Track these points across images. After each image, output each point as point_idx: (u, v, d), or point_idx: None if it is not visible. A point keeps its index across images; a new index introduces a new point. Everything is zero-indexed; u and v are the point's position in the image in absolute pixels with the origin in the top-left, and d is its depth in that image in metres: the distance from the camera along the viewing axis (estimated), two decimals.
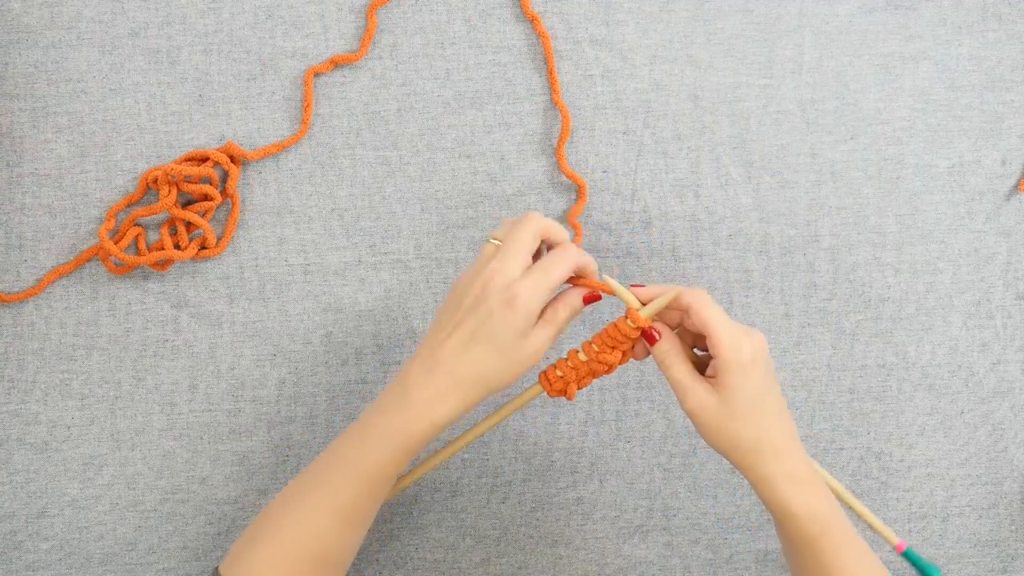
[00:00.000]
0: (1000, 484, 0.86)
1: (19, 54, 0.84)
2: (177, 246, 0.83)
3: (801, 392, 0.85)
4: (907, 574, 0.85)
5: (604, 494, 0.85)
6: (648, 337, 0.69)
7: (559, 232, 0.71)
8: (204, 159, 0.84)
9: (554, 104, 0.84)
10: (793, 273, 0.85)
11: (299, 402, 0.84)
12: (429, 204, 0.85)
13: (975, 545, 0.86)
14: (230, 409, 0.84)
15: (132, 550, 0.84)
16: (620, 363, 0.71)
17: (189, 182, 0.83)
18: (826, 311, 0.85)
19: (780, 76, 0.85)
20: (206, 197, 0.83)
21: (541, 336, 0.68)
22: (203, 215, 0.83)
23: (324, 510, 0.68)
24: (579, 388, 0.71)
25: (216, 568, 0.70)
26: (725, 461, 0.85)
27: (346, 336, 0.85)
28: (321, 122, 0.85)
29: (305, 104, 0.84)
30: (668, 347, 0.69)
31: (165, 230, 0.83)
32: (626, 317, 0.69)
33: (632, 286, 0.70)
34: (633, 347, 0.70)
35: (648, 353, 0.71)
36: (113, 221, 0.83)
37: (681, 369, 0.68)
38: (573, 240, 0.83)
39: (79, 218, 0.84)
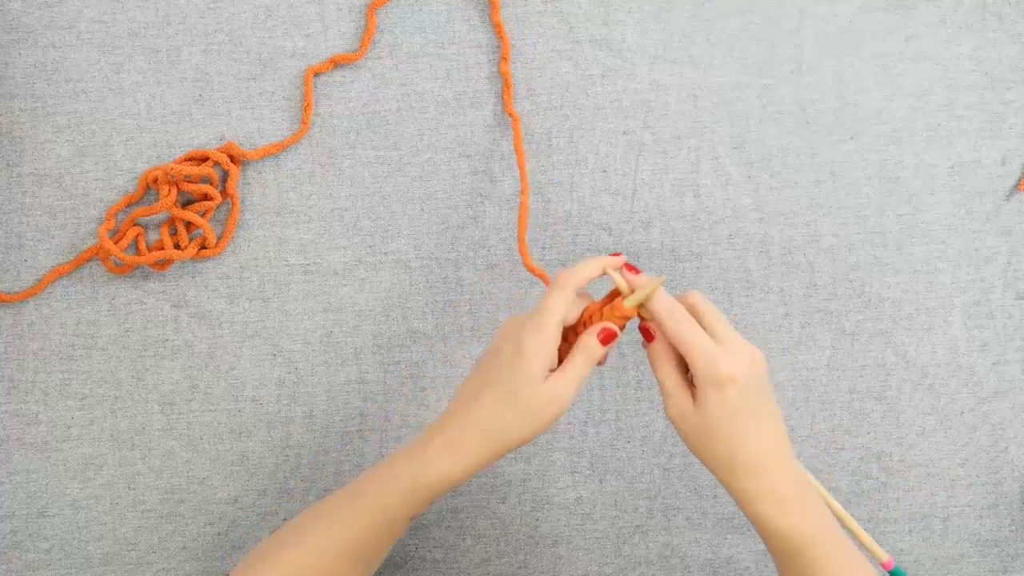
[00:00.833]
0: (1000, 484, 0.86)
1: (19, 54, 0.84)
2: (177, 246, 0.83)
3: (801, 392, 0.85)
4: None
5: (604, 494, 0.85)
6: (645, 334, 0.69)
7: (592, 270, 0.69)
8: (204, 159, 0.84)
9: (507, 113, 0.84)
10: (793, 273, 0.85)
11: (299, 402, 0.84)
12: (429, 204, 0.85)
13: (975, 545, 0.86)
14: (230, 409, 0.84)
15: (132, 550, 0.84)
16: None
17: (189, 182, 0.83)
18: (826, 311, 0.85)
19: (780, 76, 0.86)
20: (206, 197, 0.83)
21: (557, 385, 0.66)
22: (203, 215, 0.83)
23: (329, 544, 0.67)
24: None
25: None
26: None
27: (346, 336, 0.85)
28: (321, 122, 0.85)
29: (305, 104, 0.84)
30: (661, 349, 0.68)
31: (165, 230, 0.83)
32: (617, 299, 0.68)
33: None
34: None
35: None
36: (113, 221, 0.83)
37: (668, 373, 0.67)
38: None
39: (79, 218, 0.84)
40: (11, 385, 0.83)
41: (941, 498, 0.86)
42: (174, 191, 0.82)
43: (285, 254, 0.85)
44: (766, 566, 0.85)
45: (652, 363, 0.68)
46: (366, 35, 0.84)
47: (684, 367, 0.68)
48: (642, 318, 0.69)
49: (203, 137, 0.84)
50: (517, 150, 0.83)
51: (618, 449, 0.85)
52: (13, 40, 0.84)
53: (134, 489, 0.84)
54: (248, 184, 0.85)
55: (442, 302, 0.85)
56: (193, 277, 0.84)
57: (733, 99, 0.85)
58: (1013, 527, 0.86)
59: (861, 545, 0.72)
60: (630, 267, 0.69)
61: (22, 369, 0.83)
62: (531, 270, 0.82)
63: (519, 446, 0.67)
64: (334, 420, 0.84)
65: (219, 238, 0.84)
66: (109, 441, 0.84)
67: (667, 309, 0.66)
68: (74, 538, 0.83)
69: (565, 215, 0.85)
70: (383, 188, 0.85)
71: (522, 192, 0.83)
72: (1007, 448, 0.86)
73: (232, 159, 0.84)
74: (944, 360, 0.86)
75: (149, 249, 0.84)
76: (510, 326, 0.68)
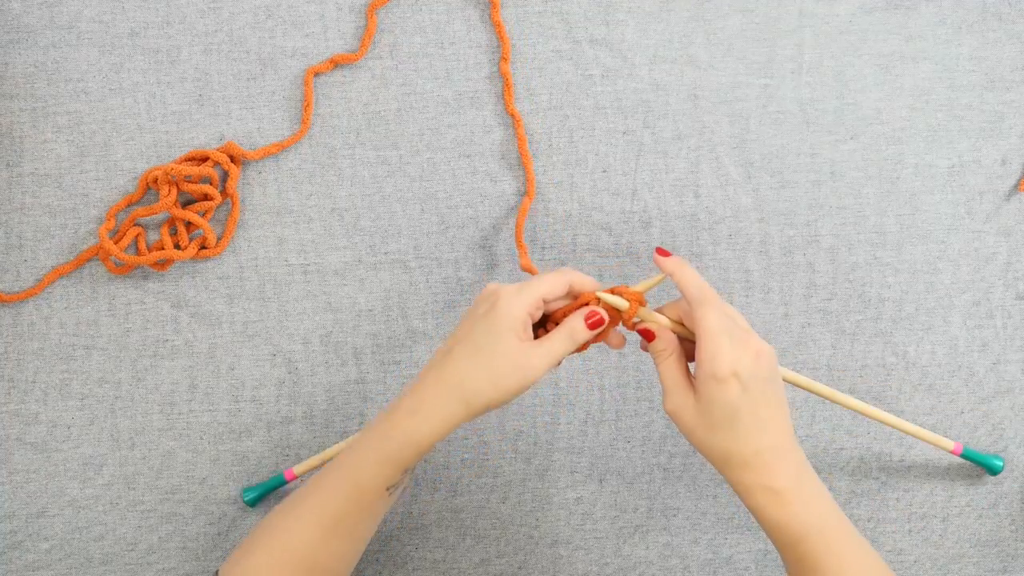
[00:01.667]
0: (1000, 484, 0.86)
1: (19, 54, 0.84)
2: (177, 246, 0.83)
3: (801, 392, 0.85)
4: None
5: (604, 494, 0.85)
6: (645, 334, 0.69)
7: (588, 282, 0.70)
8: (204, 159, 0.84)
9: (507, 113, 0.84)
10: (793, 273, 0.85)
11: (298, 402, 0.84)
12: (429, 204, 0.85)
13: (975, 545, 0.86)
14: (230, 409, 0.84)
15: (132, 550, 0.84)
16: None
17: (189, 182, 0.83)
18: (826, 311, 0.85)
19: (780, 76, 0.85)
20: (206, 197, 0.83)
21: (530, 353, 0.66)
22: (203, 215, 0.83)
23: (312, 516, 0.68)
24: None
25: (216, 571, 0.69)
26: None
27: (346, 336, 0.85)
28: (321, 122, 0.85)
29: (305, 104, 0.84)
30: (663, 346, 0.68)
31: (165, 230, 0.83)
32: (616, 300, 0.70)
33: (615, 289, 0.70)
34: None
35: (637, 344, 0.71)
36: (113, 221, 0.83)
37: (669, 369, 0.68)
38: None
39: (79, 218, 0.84)
40: (11, 385, 0.83)
41: (941, 498, 0.86)
42: (174, 191, 0.82)
43: (285, 254, 0.85)
44: (766, 566, 0.85)
45: (655, 358, 0.69)
46: (366, 35, 0.84)
47: (685, 362, 0.69)
48: (635, 329, 0.70)
49: (203, 137, 0.84)
50: (521, 151, 0.83)
51: (618, 449, 0.85)
52: (13, 40, 0.84)
53: (134, 489, 0.84)
54: (248, 184, 0.85)
55: (442, 302, 0.85)
56: (193, 277, 0.84)
57: (733, 99, 0.85)
58: (1013, 527, 0.86)
59: (922, 441, 0.80)
60: (661, 251, 0.70)
61: (22, 369, 0.83)
62: (527, 270, 0.82)
63: (486, 408, 0.66)
64: (334, 420, 0.84)
65: (219, 238, 0.84)
66: (109, 441, 0.84)
67: (698, 290, 0.67)
68: (74, 538, 0.83)
69: (565, 215, 0.85)
70: (383, 188, 0.85)
71: (527, 193, 0.83)
72: (1007, 448, 0.86)
73: (232, 159, 0.84)
74: (944, 360, 0.86)
75: (149, 249, 0.84)
76: (490, 287, 0.68)
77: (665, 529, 0.85)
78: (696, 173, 0.85)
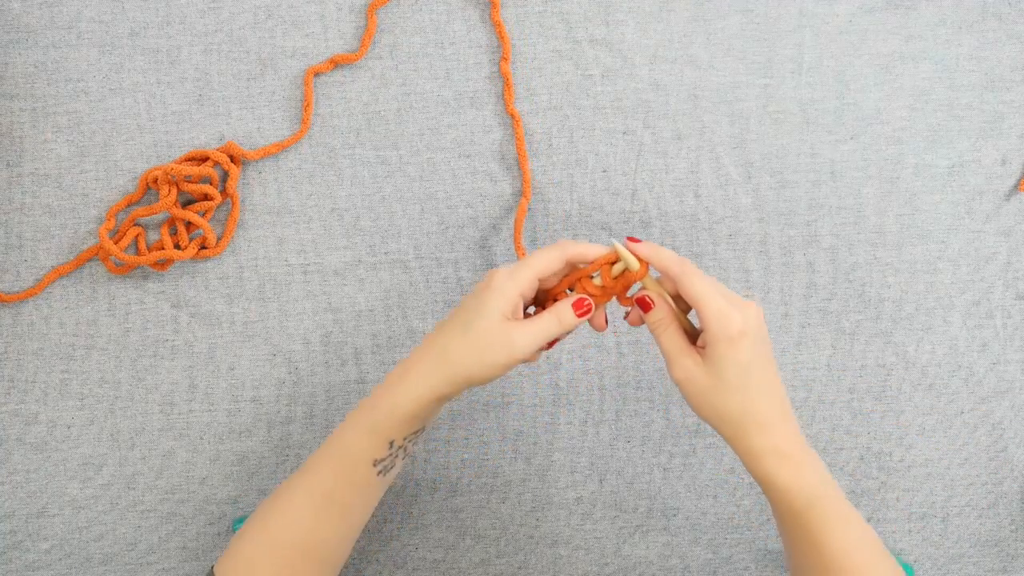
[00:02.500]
0: (1000, 484, 0.86)
1: (19, 54, 0.84)
2: (177, 246, 0.83)
3: (801, 392, 0.85)
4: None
5: (604, 494, 0.85)
6: (643, 304, 0.69)
7: (591, 250, 0.70)
8: (204, 159, 0.84)
9: (507, 113, 0.84)
10: (793, 273, 0.85)
11: (298, 402, 0.84)
12: (429, 204, 0.85)
13: (975, 545, 0.86)
14: (230, 409, 0.84)
15: (132, 550, 0.84)
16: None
17: (189, 182, 0.83)
18: (826, 311, 0.85)
19: (780, 76, 0.86)
20: (206, 197, 0.83)
21: (517, 331, 0.66)
22: (203, 215, 0.83)
23: (303, 495, 0.69)
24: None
25: (212, 568, 0.69)
26: (725, 461, 0.85)
27: (345, 336, 0.85)
28: (321, 122, 0.85)
29: (305, 104, 0.84)
30: (661, 315, 0.68)
31: (165, 230, 0.83)
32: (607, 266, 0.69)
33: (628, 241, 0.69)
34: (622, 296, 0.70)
35: (643, 320, 0.70)
36: (113, 221, 0.83)
37: (672, 338, 0.68)
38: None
39: (79, 218, 0.84)
40: (11, 385, 0.83)
41: (941, 498, 0.86)
42: (174, 191, 0.82)
43: (285, 254, 0.85)
44: (766, 566, 0.85)
45: (653, 330, 0.69)
46: (366, 35, 0.84)
47: (684, 331, 0.69)
48: (632, 301, 0.69)
49: (203, 137, 0.84)
50: (519, 151, 0.83)
51: (618, 449, 0.85)
52: (13, 40, 0.84)
53: (134, 489, 0.84)
54: (248, 184, 0.85)
55: (442, 302, 0.85)
56: (193, 277, 0.84)
57: (733, 99, 0.85)
58: (1013, 527, 0.86)
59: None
60: (632, 239, 0.70)
61: (22, 369, 0.83)
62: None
63: (467, 381, 0.67)
64: (334, 420, 0.84)
65: (219, 238, 0.84)
66: (108, 441, 0.84)
67: (678, 263, 0.67)
68: (74, 538, 0.83)
69: (565, 215, 0.85)
70: (383, 188, 0.85)
71: (523, 195, 0.83)
72: (1007, 448, 0.86)
73: (232, 159, 0.84)
74: (944, 360, 0.86)
75: (149, 249, 0.84)
76: (490, 271, 0.69)
77: (665, 529, 0.85)
78: (696, 173, 0.85)
